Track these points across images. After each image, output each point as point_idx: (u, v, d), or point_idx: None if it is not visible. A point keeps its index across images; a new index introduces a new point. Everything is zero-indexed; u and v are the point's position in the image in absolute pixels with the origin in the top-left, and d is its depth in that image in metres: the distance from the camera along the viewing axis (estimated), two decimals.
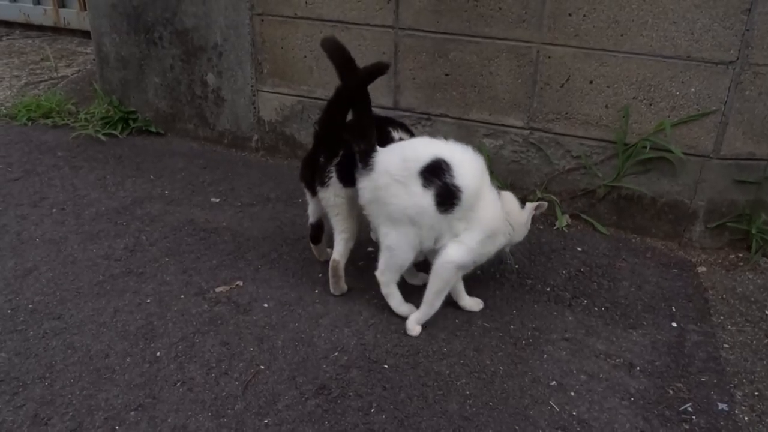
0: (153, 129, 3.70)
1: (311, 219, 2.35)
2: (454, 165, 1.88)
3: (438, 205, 1.89)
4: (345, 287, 2.25)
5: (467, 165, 1.92)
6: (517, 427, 1.71)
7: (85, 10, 4.48)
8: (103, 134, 3.58)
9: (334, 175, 2.10)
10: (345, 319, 2.13)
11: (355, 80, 2.01)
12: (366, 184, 1.97)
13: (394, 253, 2.01)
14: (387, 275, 2.09)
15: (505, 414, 1.75)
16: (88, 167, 3.22)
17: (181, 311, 2.13)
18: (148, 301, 2.18)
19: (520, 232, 2.13)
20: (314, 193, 2.19)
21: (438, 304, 2.07)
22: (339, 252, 2.20)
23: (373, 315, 2.15)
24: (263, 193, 3.04)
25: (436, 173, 1.88)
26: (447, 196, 1.88)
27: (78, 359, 1.89)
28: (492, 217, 1.99)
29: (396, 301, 2.13)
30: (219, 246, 2.54)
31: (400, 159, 1.93)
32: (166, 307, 2.15)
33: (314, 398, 1.78)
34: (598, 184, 2.80)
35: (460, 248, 1.96)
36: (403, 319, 2.09)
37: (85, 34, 4.94)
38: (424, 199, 1.88)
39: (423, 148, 1.95)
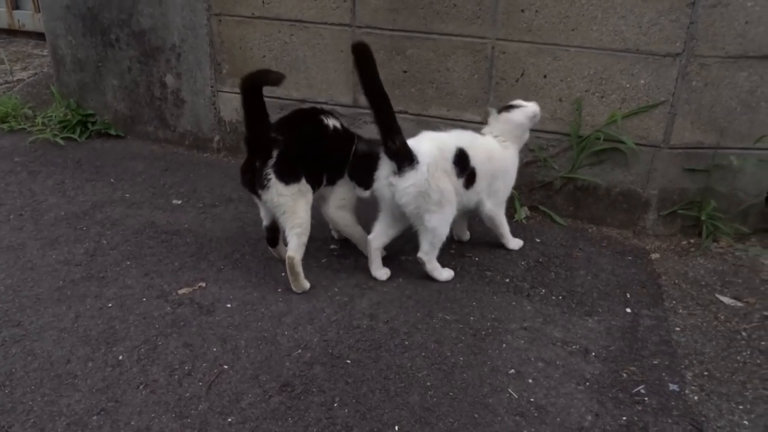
0: (112, 132, 3.67)
1: (264, 222, 2.38)
2: (469, 152, 2.28)
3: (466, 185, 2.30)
4: (306, 284, 2.27)
5: (478, 151, 2.31)
6: (476, 416, 1.75)
7: (40, 11, 4.40)
8: (62, 138, 3.53)
9: (272, 175, 2.14)
10: (308, 316, 2.15)
11: (247, 86, 2.15)
12: (413, 180, 2.16)
13: (438, 231, 2.25)
14: (431, 253, 2.31)
15: (465, 403, 1.80)
16: (47, 172, 3.18)
17: (143, 314, 2.13)
18: (110, 305, 2.18)
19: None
20: (259, 197, 2.22)
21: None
22: (293, 248, 2.22)
23: (336, 312, 2.18)
24: (225, 193, 3.04)
25: (463, 161, 2.26)
26: (471, 178, 2.30)
27: (38, 366, 1.88)
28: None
29: (441, 272, 2.37)
30: (181, 248, 2.54)
31: (439, 151, 2.21)
32: (128, 311, 2.15)
33: (278, 395, 1.80)
34: (554, 176, 2.87)
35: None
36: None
37: (41, 37, 4.86)
38: (459, 182, 2.26)
39: (448, 140, 2.28)
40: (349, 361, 1.95)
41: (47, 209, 2.81)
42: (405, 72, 2.97)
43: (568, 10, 2.62)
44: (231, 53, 3.27)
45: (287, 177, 2.15)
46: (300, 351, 1.99)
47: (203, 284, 2.31)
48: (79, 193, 2.97)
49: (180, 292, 2.26)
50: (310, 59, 3.12)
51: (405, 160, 2.15)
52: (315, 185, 2.28)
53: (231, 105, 3.37)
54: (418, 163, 2.15)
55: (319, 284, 2.32)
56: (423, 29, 2.87)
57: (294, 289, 2.26)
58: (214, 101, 3.40)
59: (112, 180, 3.13)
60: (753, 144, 2.63)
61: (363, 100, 3.07)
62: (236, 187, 3.09)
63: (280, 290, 2.29)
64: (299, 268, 2.24)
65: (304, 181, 2.21)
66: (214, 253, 2.51)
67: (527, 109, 2.43)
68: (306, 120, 2.30)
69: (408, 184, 2.16)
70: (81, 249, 2.50)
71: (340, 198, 2.39)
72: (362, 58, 2.10)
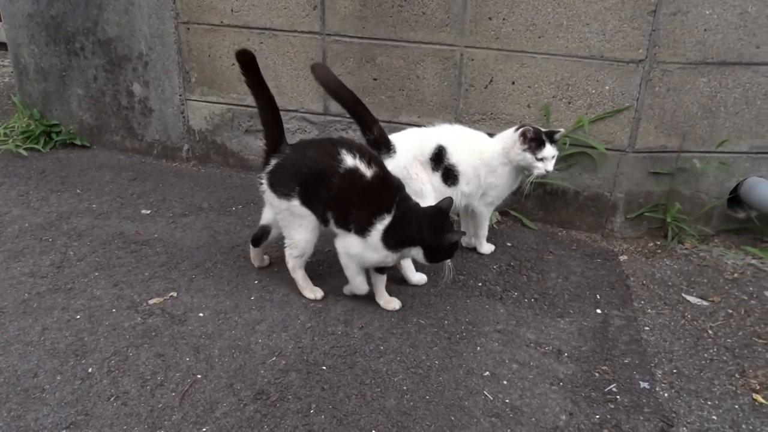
0: (78, 142, 3.60)
1: (261, 220, 2.37)
2: (449, 150, 2.36)
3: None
4: (316, 292, 2.29)
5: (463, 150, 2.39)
6: (453, 418, 1.76)
7: (1, 20, 4.31)
8: (25, 149, 3.46)
9: (265, 181, 2.14)
10: (282, 324, 2.14)
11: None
12: (391, 166, 2.19)
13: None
14: None
15: (441, 406, 1.80)
16: (9, 183, 3.11)
17: (113, 325, 2.09)
18: (78, 317, 2.13)
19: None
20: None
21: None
22: (288, 262, 2.28)
23: (310, 318, 2.17)
24: (196, 202, 3.01)
25: (439, 157, 2.36)
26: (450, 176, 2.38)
27: (4, 380, 1.83)
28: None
29: (414, 275, 2.43)
30: (151, 258, 2.50)
31: (417, 144, 2.36)
32: (97, 323, 2.10)
33: (253, 404, 1.78)
34: (524, 180, 2.90)
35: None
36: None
37: (2, 46, 4.75)
38: (437, 177, 2.37)
39: (432, 136, 2.39)
40: (324, 368, 1.94)
41: (11, 221, 2.74)
42: (375, 79, 2.98)
43: (534, 18, 2.66)
44: (200, 61, 3.24)
45: (278, 189, 2.12)
46: (275, 358, 1.97)
47: (174, 294, 2.28)
48: (43, 204, 2.90)
49: (151, 302, 2.23)
50: (280, 67, 3.11)
51: (383, 147, 2.29)
52: (318, 216, 2.13)
53: (200, 114, 3.34)
54: (395, 152, 2.29)
55: (292, 291, 2.31)
56: (392, 37, 2.89)
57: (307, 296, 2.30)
58: (183, 110, 3.37)
59: (78, 190, 3.07)
60: (714, 148, 2.71)
61: (334, 107, 3.09)
62: (207, 196, 3.06)
63: (253, 298, 2.27)
64: (300, 281, 2.28)
65: (297, 203, 2.10)
66: (185, 263, 2.48)
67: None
68: (323, 146, 2.10)
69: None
70: (47, 261, 2.45)
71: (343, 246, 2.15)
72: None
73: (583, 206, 2.88)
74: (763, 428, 1.78)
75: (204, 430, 1.69)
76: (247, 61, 2.10)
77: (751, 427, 1.79)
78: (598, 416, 1.79)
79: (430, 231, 1.99)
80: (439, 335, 2.11)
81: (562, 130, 2.45)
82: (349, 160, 2.01)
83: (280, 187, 2.11)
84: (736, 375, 2.00)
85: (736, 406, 1.86)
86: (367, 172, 2.00)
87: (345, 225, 2.06)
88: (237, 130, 3.32)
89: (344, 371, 1.93)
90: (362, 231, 2.02)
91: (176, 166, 3.43)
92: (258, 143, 3.30)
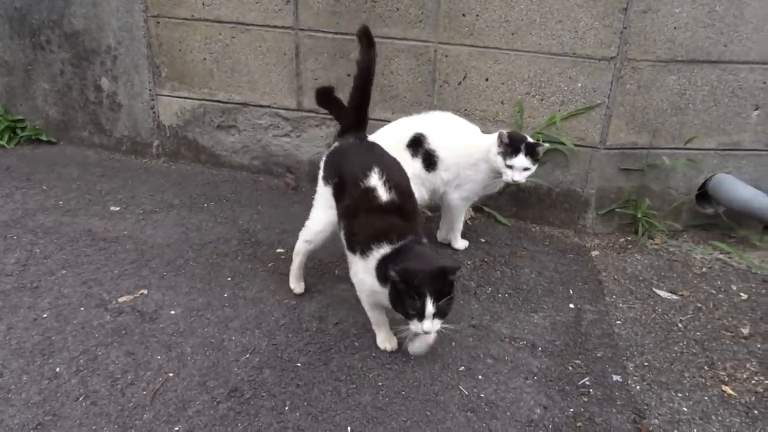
0: (44, 137, 3.51)
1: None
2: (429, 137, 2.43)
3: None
4: (295, 286, 2.28)
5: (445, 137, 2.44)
6: (428, 413, 1.76)
7: None
8: None
9: (323, 159, 2.14)
10: (255, 321, 2.11)
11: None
12: None
13: None
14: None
15: (416, 401, 1.80)
16: None
17: (81, 324, 2.04)
18: (45, 315, 2.07)
19: None
20: None
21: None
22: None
23: (284, 315, 2.15)
24: (166, 199, 2.95)
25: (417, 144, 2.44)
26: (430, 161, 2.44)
27: None
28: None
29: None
30: (120, 255, 2.45)
31: (396, 133, 2.45)
32: (64, 321, 2.05)
33: (226, 401, 1.76)
34: (498, 186, 2.91)
35: None
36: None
37: None
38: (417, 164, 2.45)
39: (413, 125, 2.46)
40: (299, 364, 1.92)
41: None
42: (349, 75, 2.96)
43: (508, 15, 2.68)
44: (170, 56, 3.19)
45: (324, 170, 2.10)
46: (248, 356, 1.95)
47: (145, 291, 2.23)
48: (8, 201, 2.82)
49: (120, 300, 2.18)
50: (252, 62, 3.07)
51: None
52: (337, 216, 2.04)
53: (171, 109, 3.29)
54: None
55: (266, 288, 2.28)
56: None
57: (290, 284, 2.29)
58: (153, 105, 3.31)
59: (44, 187, 2.99)
60: (683, 144, 2.76)
61: (307, 103, 3.07)
62: (178, 193, 3.01)
63: (226, 295, 2.24)
64: (294, 266, 2.27)
65: (330, 192, 2.04)
66: (155, 260, 2.44)
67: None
68: (369, 156, 1.99)
69: None
70: (12, 258, 2.38)
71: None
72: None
73: (555, 202, 2.91)
74: (732, 419, 1.82)
75: (176, 428, 1.66)
76: (369, 36, 2.05)
77: (720, 419, 1.82)
78: (572, 409, 1.81)
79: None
80: None
81: (546, 145, 2.47)
82: (373, 179, 1.88)
83: (326, 170, 2.08)
84: (706, 367, 2.03)
85: (706, 398, 1.90)
86: (384, 196, 1.86)
87: (351, 246, 1.92)
88: (209, 126, 3.27)
89: (319, 368, 1.91)
90: (363, 253, 1.85)
91: (146, 163, 3.37)
92: (230, 139, 3.26)
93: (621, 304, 2.36)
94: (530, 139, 2.36)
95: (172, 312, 2.13)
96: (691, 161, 2.79)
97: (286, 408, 1.75)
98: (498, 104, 2.83)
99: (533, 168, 2.37)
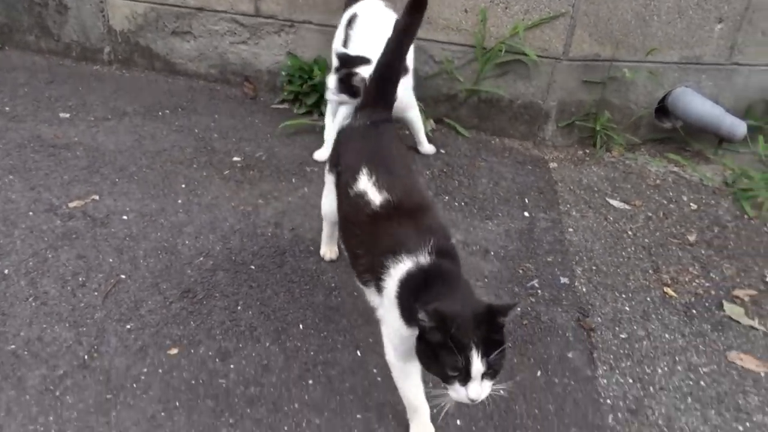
0: None
1: None
2: None
3: None
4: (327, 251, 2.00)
5: None
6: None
7: None
8: None
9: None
10: (210, 226, 2.10)
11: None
12: None
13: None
14: None
15: (367, 302, 1.83)
16: None
17: (30, 228, 2.01)
18: None
19: None
20: None
21: None
22: None
23: (240, 221, 2.14)
24: (119, 107, 2.86)
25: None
26: None
27: None
28: None
29: None
30: (71, 162, 2.39)
31: None
32: (12, 225, 2.01)
33: (179, 302, 1.77)
34: (459, 88, 2.88)
35: None
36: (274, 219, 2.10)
37: None
38: None
39: None
40: (253, 267, 1.93)
41: None
42: None
43: None
44: None
45: (330, 155, 1.75)
46: (202, 259, 1.94)
47: (96, 197, 2.19)
48: None
49: (71, 205, 2.14)
50: None
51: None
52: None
53: (121, 12, 3.13)
54: None
55: (221, 195, 2.26)
56: None
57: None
58: (103, 8, 3.14)
59: None
60: (645, 57, 2.74)
61: (265, 8, 2.95)
62: (131, 101, 2.92)
63: (180, 201, 2.21)
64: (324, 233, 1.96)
65: (333, 179, 1.67)
66: (107, 167, 2.38)
67: None
68: (368, 146, 1.59)
69: None
70: None
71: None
72: None
73: (516, 114, 2.89)
74: (671, 317, 1.90)
75: (128, 327, 1.67)
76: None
77: (660, 317, 1.90)
78: (519, 308, 1.86)
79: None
80: None
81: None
82: (362, 182, 1.45)
83: (331, 153, 1.74)
84: (650, 271, 2.10)
85: (648, 299, 1.97)
86: (376, 198, 1.41)
87: (360, 275, 1.47)
88: (162, 32, 3.13)
89: (273, 270, 1.92)
90: (376, 282, 1.38)
91: (97, 69, 3.24)
92: (185, 46, 3.14)
93: (574, 213, 2.40)
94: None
95: (125, 217, 2.10)
96: (652, 74, 2.78)
97: (239, 308, 1.77)
98: (461, 13, 2.75)
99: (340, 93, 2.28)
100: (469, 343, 1.16)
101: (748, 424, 1.59)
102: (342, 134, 1.70)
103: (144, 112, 2.83)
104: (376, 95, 1.66)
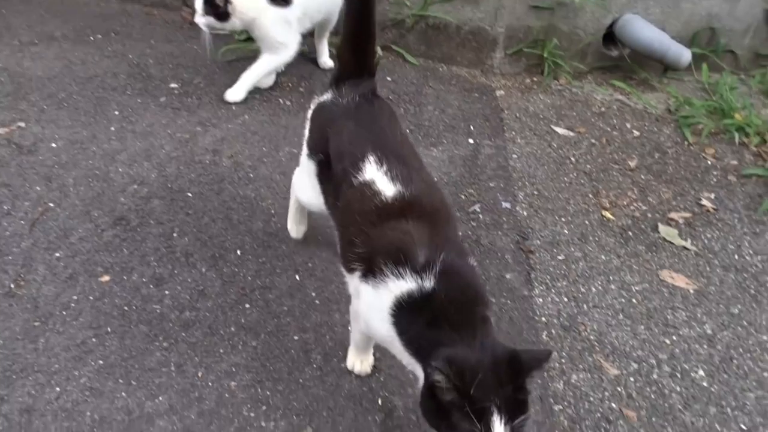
0: None
1: None
2: None
3: None
4: (293, 230, 1.78)
5: None
6: (319, 237, 1.78)
7: None
8: None
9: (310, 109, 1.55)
10: (145, 154, 2.02)
11: None
12: None
13: None
14: None
15: (309, 228, 1.80)
16: None
17: None
18: None
19: None
20: None
21: None
22: None
23: (176, 149, 2.07)
24: (47, 31, 2.69)
25: None
26: None
27: None
28: None
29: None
30: None
31: None
32: None
33: (111, 229, 1.71)
34: (407, 14, 2.80)
35: None
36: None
37: None
38: None
39: None
40: (189, 194, 1.88)
41: None
42: None
43: None
44: None
45: (309, 138, 1.49)
46: (136, 186, 1.88)
47: (22, 124, 2.08)
48: None
49: None
50: None
51: None
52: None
53: None
54: None
55: (157, 123, 2.17)
56: None
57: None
58: None
59: None
60: None
61: None
62: (60, 25, 2.75)
63: (113, 129, 2.12)
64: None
65: (315, 168, 1.44)
66: (34, 93, 2.25)
67: None
68: (365, 128, 1.37)
69: None
70: None
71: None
72: None
73: (464, 41, 2.84)
74: (607, 239, 1.94)
75: (57, 254, 1.62)
76: None
77: (597, 239, 1.94)
78: (460, 232, 1.86)
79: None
80: None
81: None
82: (369, 170, 1.25)
83: (309, 137, 1.48)
84: (590, 195, 2.13)
85: (586, 222, 2.00)
86: (388, 189, 1.22)
87: (347, 262, 1.27)
88: None
89: (210, 197, 1.88)
90: (369, 277, 1.18)
91: None
92: None
93: (519, 140, 2.40)
94: None
95: (53, 145, 2.01)
96: (601, 0, 2.75)
97: (175, 235, 1.73)
98: None
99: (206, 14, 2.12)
100: (491, 406, 0.95)
101: (674, 337, 1.65)
102: (324, 112, 1.44)
103: (74, 37, 2.67)
104: (355, 63, 1.44)
